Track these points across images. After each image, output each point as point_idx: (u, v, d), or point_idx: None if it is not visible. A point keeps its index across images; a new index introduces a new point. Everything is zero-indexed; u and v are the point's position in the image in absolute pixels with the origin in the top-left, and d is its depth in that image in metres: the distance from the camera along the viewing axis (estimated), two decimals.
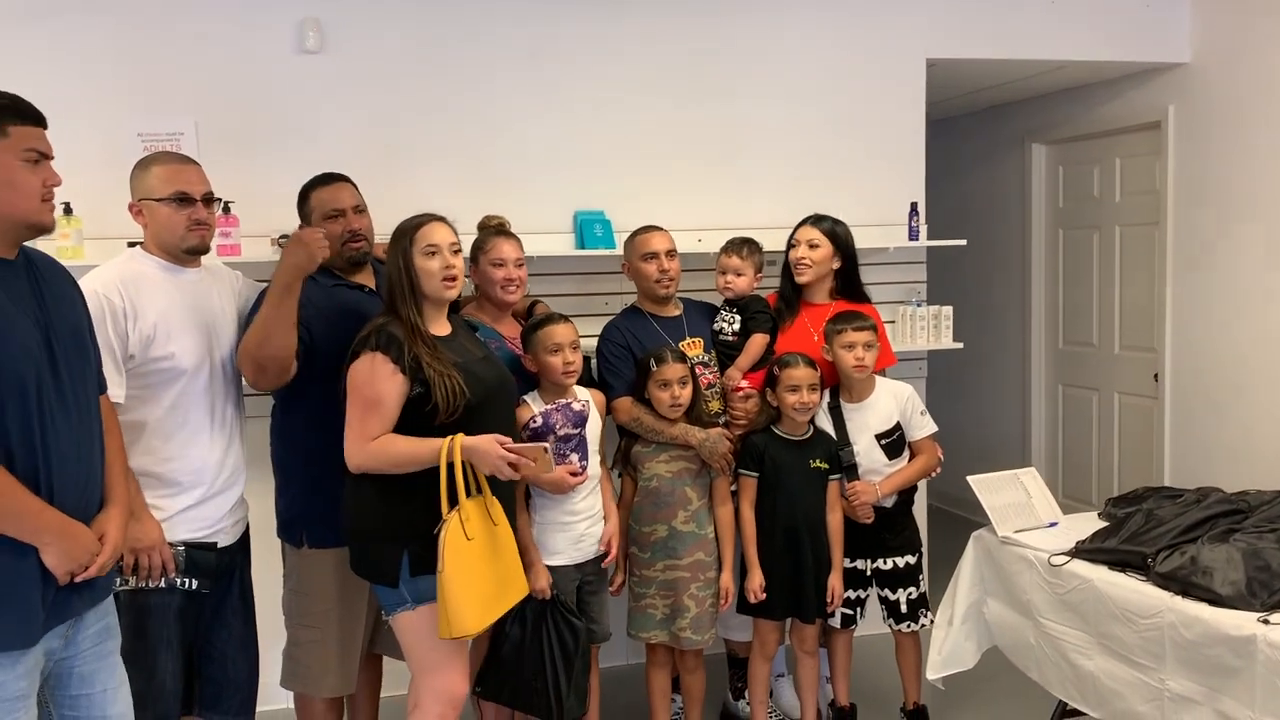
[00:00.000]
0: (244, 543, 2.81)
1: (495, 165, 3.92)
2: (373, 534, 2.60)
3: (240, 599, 2.79)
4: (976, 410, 6.29)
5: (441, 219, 2.74)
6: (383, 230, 3.55)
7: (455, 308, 3.17)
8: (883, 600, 3.33)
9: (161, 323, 2.59)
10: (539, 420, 2.94)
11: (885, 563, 3.30)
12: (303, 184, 3.03)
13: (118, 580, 2.41)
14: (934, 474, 3.35)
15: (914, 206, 4.15)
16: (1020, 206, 5.79)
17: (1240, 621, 2.24)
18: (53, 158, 2.09)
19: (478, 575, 2.50)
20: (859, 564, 3.32)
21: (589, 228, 3.92)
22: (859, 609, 3.35)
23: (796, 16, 4.16)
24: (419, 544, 2.50)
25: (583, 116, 4.00)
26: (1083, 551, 2.67)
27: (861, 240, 3.99)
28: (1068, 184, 5.57)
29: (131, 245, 2.72)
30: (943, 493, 5.39)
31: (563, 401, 2.98)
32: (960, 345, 4.24)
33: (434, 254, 2.65)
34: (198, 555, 2.58)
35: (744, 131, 4.14)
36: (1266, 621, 2.22)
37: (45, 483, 1.99)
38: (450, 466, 2.48)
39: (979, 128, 6.05)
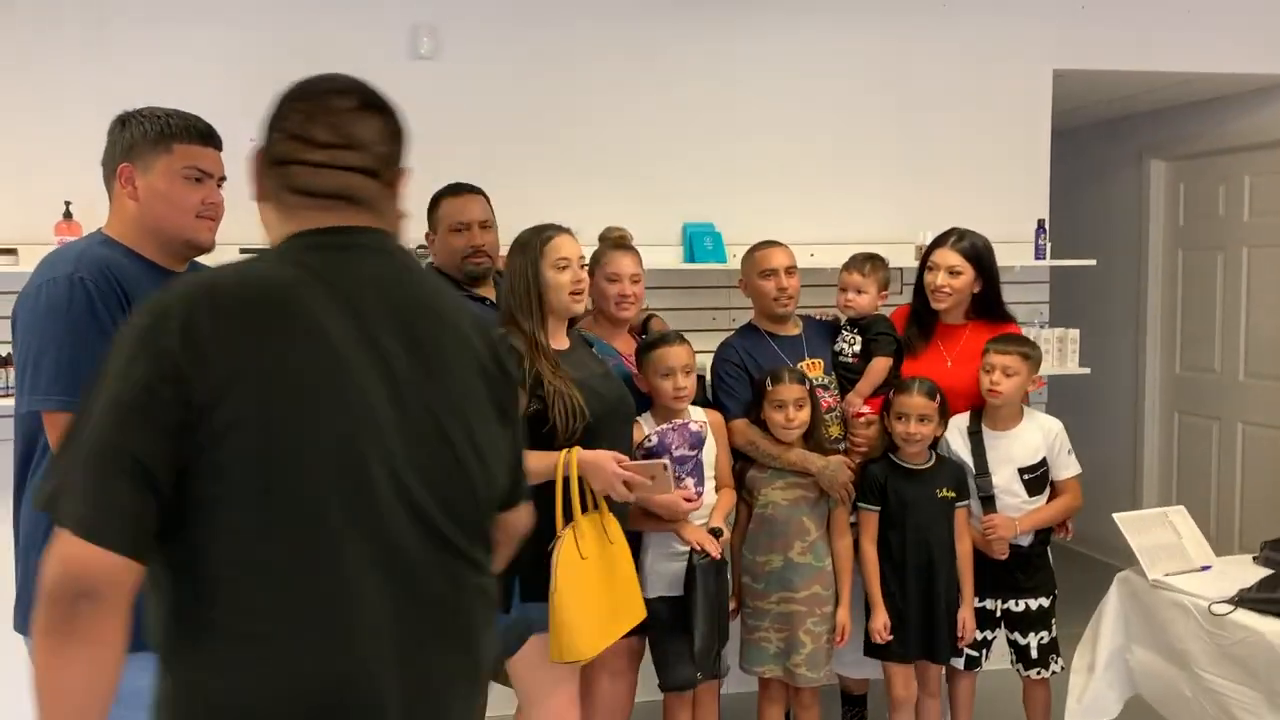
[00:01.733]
0: None
1: (604, 174, 3.82)
2: None
3: None
4: (1086, 437, 6.00)
5: (568, 231, 2.65)
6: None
7: (572, 322, 3.09)
8: (1011, 644, 3.14)
9: None
10: (654, 440, 2.81)
11: (1017, 604, 3.10)
12: (434, 191, 2.97)
13: None
14: (1064, 536, 3.15)
15: (1041, 224, 3.96)
16: (1136, 225, 5.52)
17: None
18: (218, 177, 2.06)
19: (592, 595, 2.39)
20: (988, 604, 3.12)
21: (699, 240, 3.80)
22: (984, 650, 3.17)
23: (919, 27, 4.00)
24: (530, 568, 2.37)
25: (693, 126, 3.88)
26: (1248, 600, 2.46)
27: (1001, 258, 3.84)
28: (1189, 202, 5.30)
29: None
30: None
31: (679, 421, 2.86)
32: (1087, 370, 4.02)
33: (565, 267, 2.57)
34: None
35: (861, 143, 4.00)
36: None
37: None
38: (566, 480, 2.37)
39: (1093, 142, 5.79)
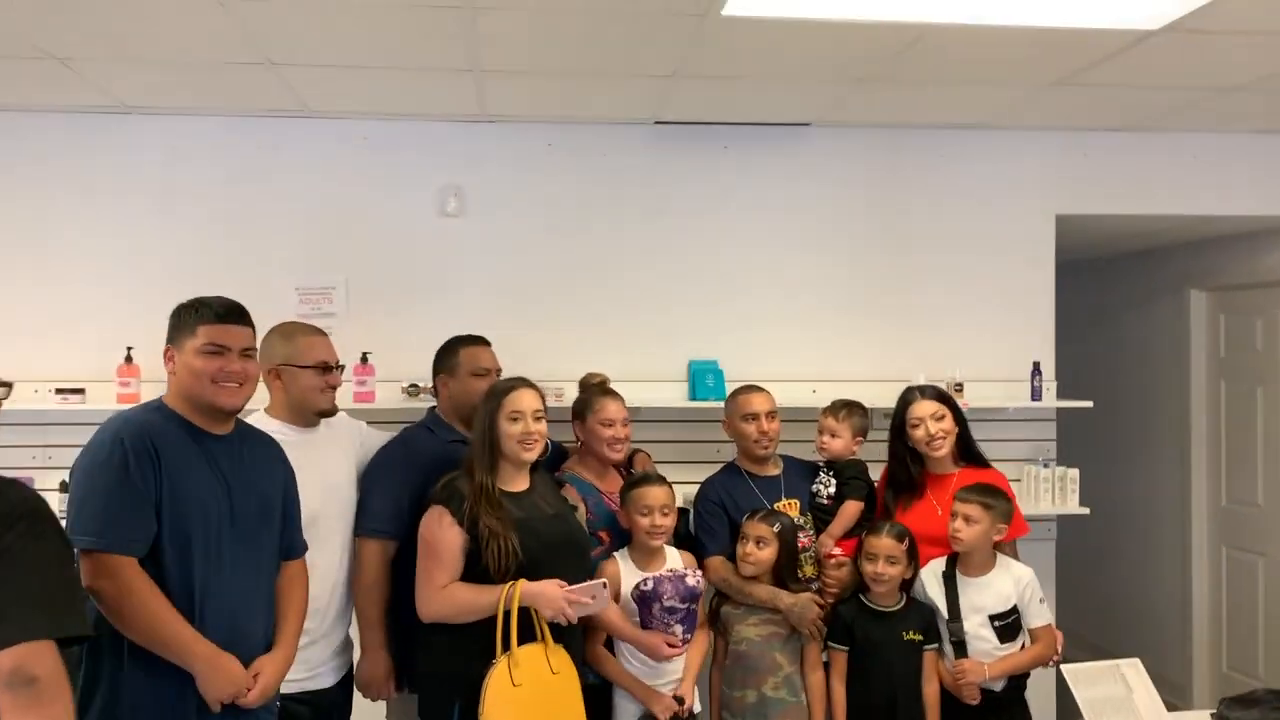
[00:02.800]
0: (345, 682, 2.98)
1: (613, 316, 4.11)
2: (431, 681, 2.73)
3: None
4: (1133, 572, 5.94)
5: (531, 386, 2.89)
6: (511, 372, 3.81)
7: (558, 461, 3.32)
8: None
9: None
10: (649, 585, 3.00)
11: None
12: (447, 339, 3.29)
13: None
14: (1050, 664, 3.19)
15: (1036, 366, 4.06)
16: (1178, 355, 5.51)
17: None
18: (239, 349, 2.41)
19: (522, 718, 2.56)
20: None
21: (701, 378, 4.02)
22: None
23: (922, 173, 4.21)
24: (472, 693, 2.58)
25: (698, 269, 4.15)
26: None
27: (984, 399, 3.95)
28: (1229, 334, 5.28)
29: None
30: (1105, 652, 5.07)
31: (677, 572, 3.04)
32: (1086, 510, 4.05)
33: (517, 420, 2.79)
34: (292, 706, 2.74)
35: (860, 284, 4.19)
36: None
37: (198, 617, 2.27)
38: (507, 614, 2.58)
39: (1136, 272, 5.84)
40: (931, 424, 3.29)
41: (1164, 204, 4.30)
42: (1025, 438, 4.18)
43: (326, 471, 2.93)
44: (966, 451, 3.38)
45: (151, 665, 2.24)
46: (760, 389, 3.45)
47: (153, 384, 3.68)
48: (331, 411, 2.96)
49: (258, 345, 2.54)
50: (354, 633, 3.01)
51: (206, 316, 2.39)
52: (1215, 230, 4.86)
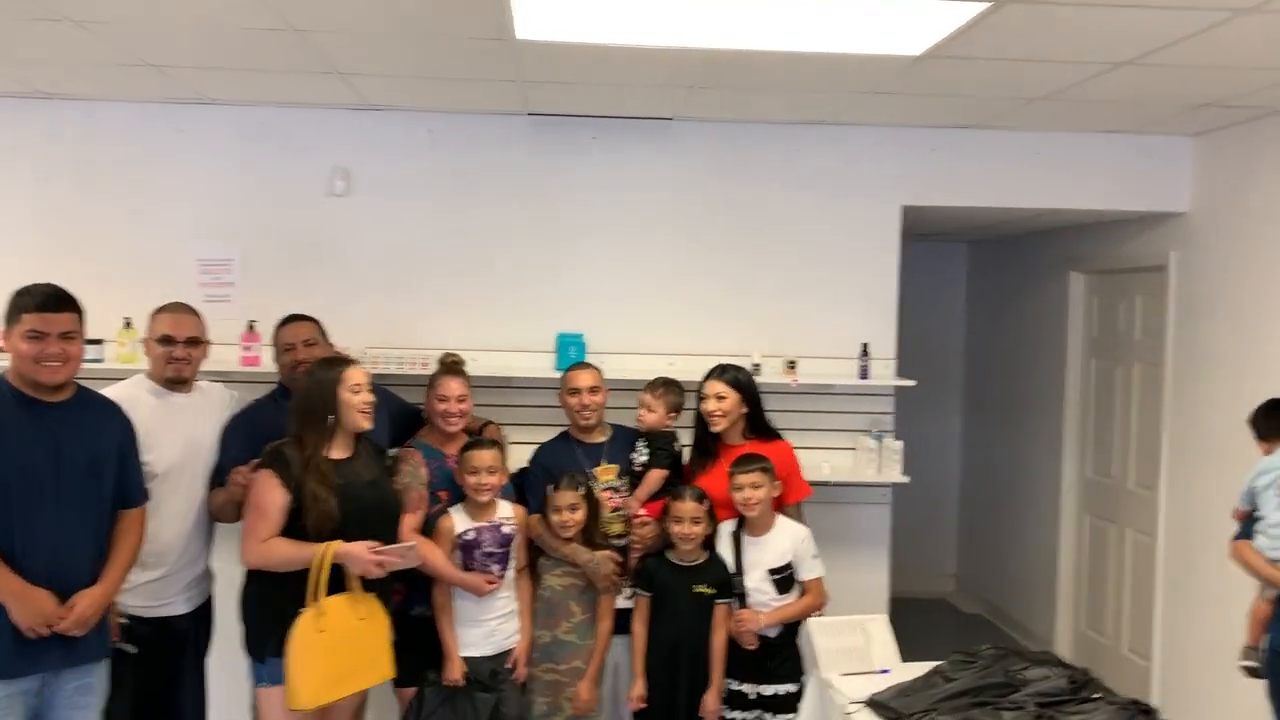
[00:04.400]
0: (198, 612, 3.45)
1: (490, 291, 4.49)
2: (251, 621, 3.20)
3: (194, 658, 3.44)
4: (1013, 534, 6.35)
5: (356, 362, 3.32)
6: (392, 343, 4.26)
7: (415, 428, 3.73)
8: None
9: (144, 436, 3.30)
10: (471, 535, 3.45)
11: (767, 689, 3.57)
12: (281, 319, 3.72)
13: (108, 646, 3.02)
14: (817, 613, 3.60)
15: (865, 347, 4.43)
16: (1058, 333, 5.84)
17: None
18: (53, 334, 2.78)
19: (322, 660, 3.02)
20: (745, 688, 3.59)
21: (565, 349, 4.41)
22: None
23: (774, 165, 4.54)
24: (285, 635, 3.03)
25: (569, 249, 4.52)
26: (871, 703, 2.90)
27: (816, 376, 4.34)
28: (1101, 315, 5.60)
29: None
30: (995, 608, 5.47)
31: (492, 522, 3.48)
32: (906, 479, 4.44)
33: (358, 392, 3.22)
34: (136, 626, 3.24)
35: (719, 266, 4.53)
36: None
37: (18, 555, 2.71)
38: (320, 570, 3.03)
39: (1031, 251, 6.15)
40: (713, 402, 3.71)
41: (1009, 197, 4.61)
42: (862, 410, 4.55)
43: (190, 430, 3.38)
44: (757, 426, 3.79)
45: None
46: (587, 366, 3.86)
47: None
48: (177, 380, 3.39)
49: (82, 329, 2.92)
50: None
51: (28, 305, 2.77)
52: (1085, 217, 5.15)
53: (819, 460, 4.42)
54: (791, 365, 4.37)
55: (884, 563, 4.65)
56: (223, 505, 3.37)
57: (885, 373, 4.51)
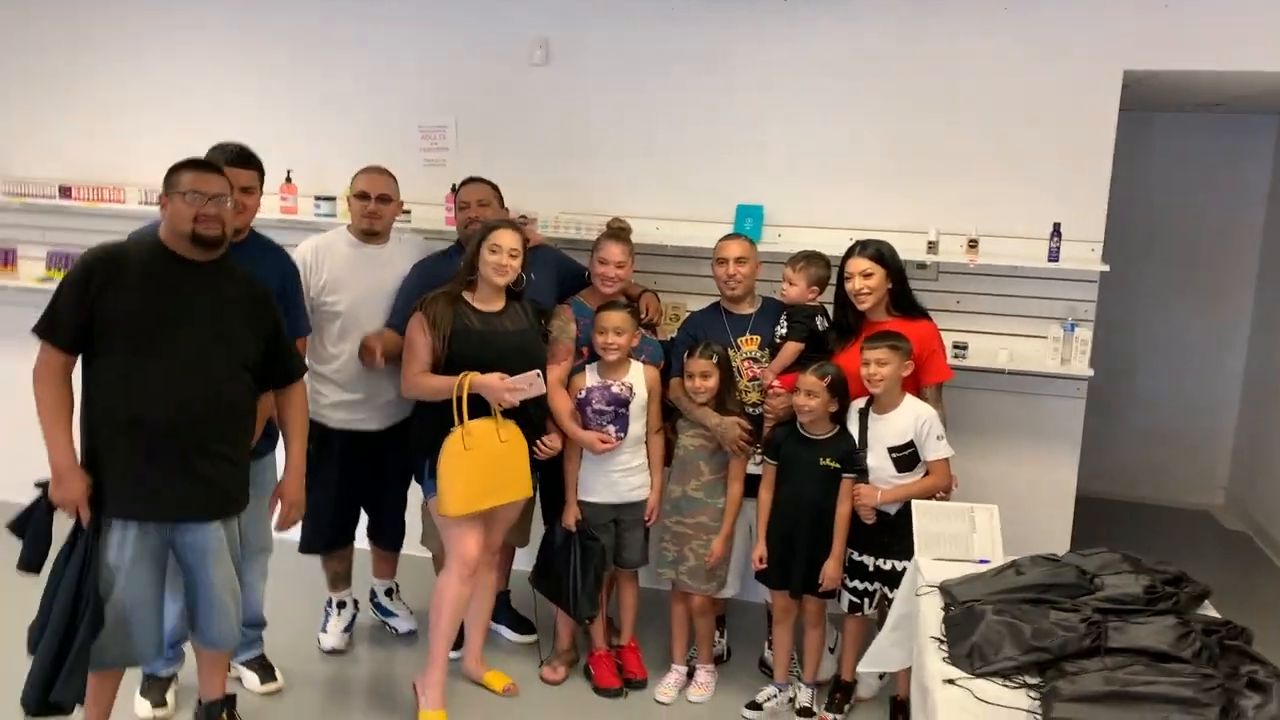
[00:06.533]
0: (395, 429, 3.91)
1: (673, 160, 4.58)
2: (415, 441, 3.64)
3: (393, 467, 3.97)
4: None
5: (514, 227, 3.59)
6: (579, 208, 4.51)
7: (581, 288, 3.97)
8: (884, 599, 3.62)
9: (331, 280, 3.79)
10: (582, 393, 3.71)
11: (885, 563, 3.58)
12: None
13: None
14: (941, 495, 3.51)
15: (1056, 227, 4.07)
16: None
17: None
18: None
19: (466, 475, 3.41)
20: (865, 559, 3.63)
21: (742, 220, 4.45)
22: (867, 599, 3.66)
23: (979, 24, 4.21)
24: (437, 453, 3.45)
25: (754, 119, 4.48)
26: (940, 587, 2.84)
27: (1012, 255, 4.13)
28: None
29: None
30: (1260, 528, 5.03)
31: (604, 382, 3.71)
32: (1090, 373, 4.11)
33: (496, 252, 3.51)
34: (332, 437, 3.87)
35: (909, 139, 4.33)
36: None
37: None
38: (459, 399, 3.39)
39: None
40: (859, 280, 3.63)
41: (1256, 58, 4.00)
42: (1057, 296, 4.24)
43: (377, 277, 3.85)
44: (902, 303, 3.68)
45: None
46: (737, 237, 3.90)
47: (306, 199, 4.78)
48: (370, 231, 3.86)
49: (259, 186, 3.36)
50: None
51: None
52: None
53: (996, 346, 4.20)
54: (973, 244, 4.13)
55: (1072, 459, 4.37)
56: (389, 343, 3.79)
57: (1085, 256, 4.15)
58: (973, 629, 2.48)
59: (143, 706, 3.55)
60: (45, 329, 2.88)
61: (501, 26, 4.69)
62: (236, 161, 3.34)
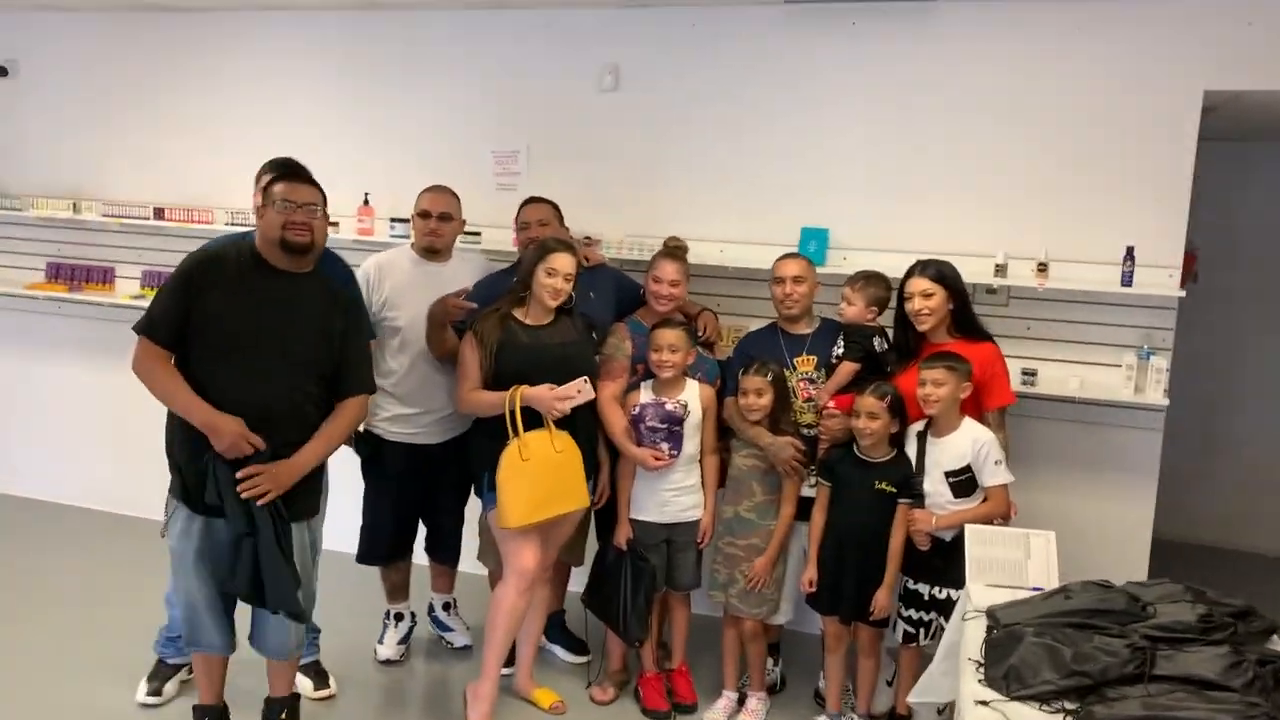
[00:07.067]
0: (454, 443, 3.95)
1: (740, 183, 4.58)
2: (475, 455, 3.68)
3: (451, 482, 4.01)
4: None
5: (570, 249, 3.63)
6: (647, 231, 4.53)
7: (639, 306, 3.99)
8: (940, 629, 3.50)
9: (393, 295, 3.89)
10: (636, 409, 3.71)
11: (940, 592, 3.47)
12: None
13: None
14: (999, 522, 3.39)
15: (1130, 250, 3.92)
16: None
17: None
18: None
19: (527, 486, 3.44)
20: (920, 587, 3.52)
21: (806, 243, 4.41)
22: (923, 630, 3.55)
23: (1051, 47, 4.13)
24: (493, 467, 3.49)
25: (821, 142, 4.46)
26: (987, 612, 2.72)
27: (1085, 280, 4.04)
28: None
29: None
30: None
31: (658, 400, 3.70)
32: (1164, 402, 3.93)
33: (552, 275, 3.55)
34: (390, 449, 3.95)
35: (976, 161, 4.25)
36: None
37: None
38: (513, 412, 3.44)
39: None
40: (919, 300, 3.56)
41: None
42: (1132, 324, 4.08)
43: (437, 294, 3.86)
44: (963, 324, 3.59)
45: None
46: (795, 256, 3.88)
47: (383, 221, 4.91)
48: (431, 250, 3.97)
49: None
50: None
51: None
52: None
53: (1068, 374, 4.07)
54: (1042, 267, 4.02)
55: (1149, 495, 4.18)
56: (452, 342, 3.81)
57: (1163, 281, 3.99)
58: (1011, 650, 2.38)
59: (140, 690, 3.73)
60: (145, 325, 3.04)
61: (573, 53, 4.78)
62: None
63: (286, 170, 3.20)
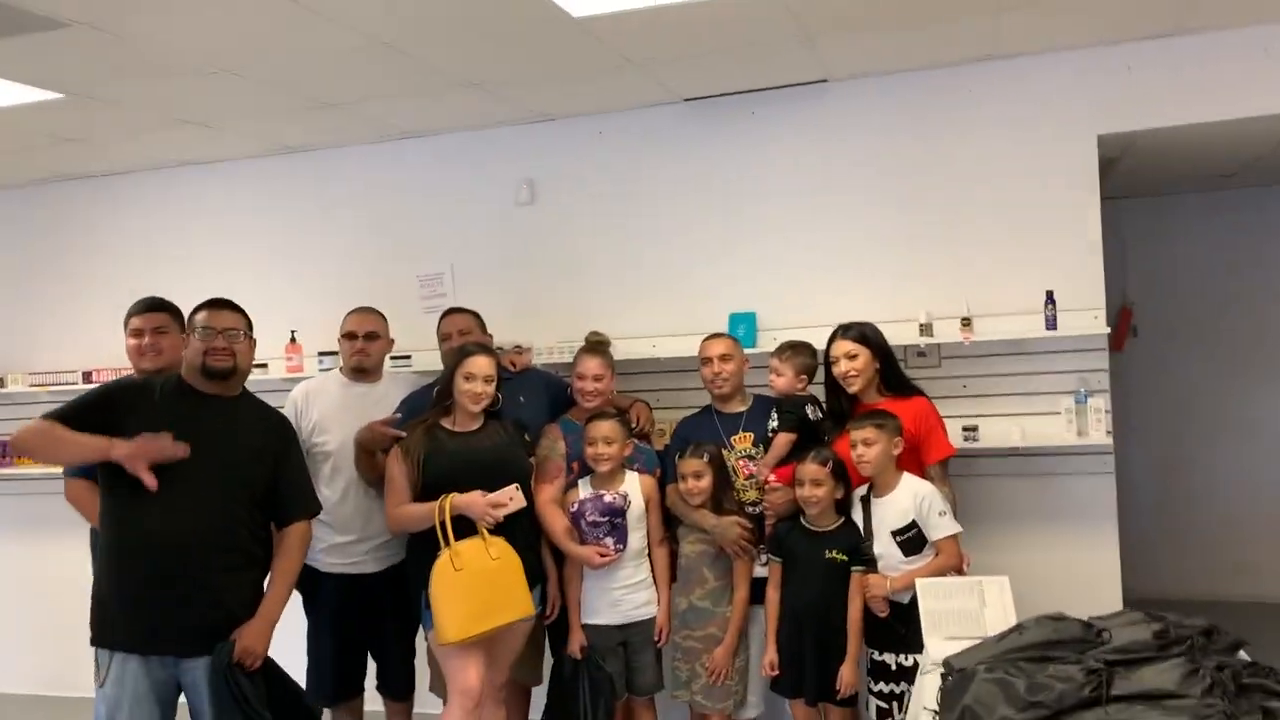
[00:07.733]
0: (393, 571, 3.80)
1: (662, 277, 4.61)
2: (412, 581, 3.53)
3: (393, 611, 3.83)
4: None
5: (487, 351, 3.59)
6: (576, 334, 4.44)
7: (568, 406, 3.92)
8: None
9: (322, 419, 3.81)
10: (575, 506, 3.61)
11: (906, 659, 3.32)
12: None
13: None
14: (954, 574, 3.28)
15: (1049, 294, 3.94)
16: None
17: None
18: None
19: (461, 597, 3.27)
20: (886, 658, 3.38)
21: (735, 329, 4.40)
22: (895, 703, 3.38)
23: (947, 107, 4.24)
24: (425, 582, 3.34)
25: (737, 230, 4.51)
26: (944, 663, 2.60)
27: (995, 333, 4.01)
28: None
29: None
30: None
31: (597, 493, 3.61)
32: (1108, 442, 3.88)
33: (470, 380, 3.49)
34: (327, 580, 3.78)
35: (888, 229, 4.30)
36: None
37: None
38: (443, 522, 3.31)
39: None
40: (845, 362, 3.54)
41: (1231, 107, 3.94)
42: (1066, 370, 4.06)
43: (366, 416, 3.78)
44: (892, 382, 3.56)
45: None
46: (720, 336, 3.86)
47: (311, 358, 4.86)
48: (359, 369, 3.93)
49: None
50: None
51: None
52: None
53: (1009, 428, 4.02)
54: (965, 322, 4.02)
55: (1112, 541, 4.08)
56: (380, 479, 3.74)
57: (1089, 324, 3.99)
58: (964, 691, 2.25)
59: None
60: (52, 412, 2.94)
61: (487, 172, 4.86)
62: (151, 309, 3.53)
63: (210, 300, 3.19)
